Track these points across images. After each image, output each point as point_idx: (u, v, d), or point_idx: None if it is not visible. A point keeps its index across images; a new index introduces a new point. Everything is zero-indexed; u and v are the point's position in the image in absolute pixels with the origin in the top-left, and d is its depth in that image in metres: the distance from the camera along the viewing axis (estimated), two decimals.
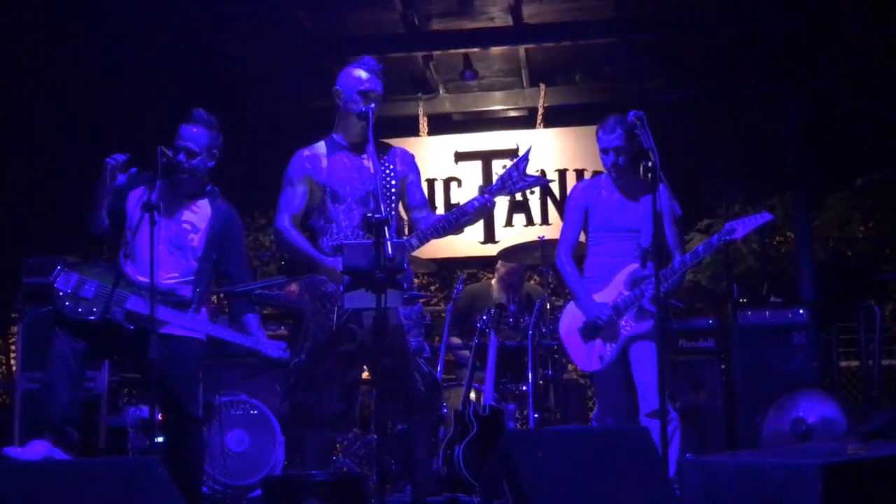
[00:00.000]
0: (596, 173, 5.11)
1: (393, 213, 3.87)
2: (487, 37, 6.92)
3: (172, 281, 3.90)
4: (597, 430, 4.31)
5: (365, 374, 4.36)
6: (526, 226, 7.59)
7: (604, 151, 4.41)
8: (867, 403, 5.70)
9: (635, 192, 4.41)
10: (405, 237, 3.83)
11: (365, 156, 3.89)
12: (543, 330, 5.35)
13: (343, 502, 3.26)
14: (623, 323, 4.33)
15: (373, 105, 3.79)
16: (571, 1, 6.57)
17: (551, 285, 5.78)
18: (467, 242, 7.46)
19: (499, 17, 6.79)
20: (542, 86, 7.64)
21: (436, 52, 7.14)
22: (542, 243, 5.51)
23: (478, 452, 4.96)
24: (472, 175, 7.70)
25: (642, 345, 4.30)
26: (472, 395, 5.22)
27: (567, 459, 3.17)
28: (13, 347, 7.09)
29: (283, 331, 5.54)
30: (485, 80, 7.70)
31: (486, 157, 7.72)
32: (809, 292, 6.66)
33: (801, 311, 5.59)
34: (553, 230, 7.00)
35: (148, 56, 6.39)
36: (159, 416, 3.93)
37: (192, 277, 3.94)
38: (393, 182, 3.92)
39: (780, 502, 2.83)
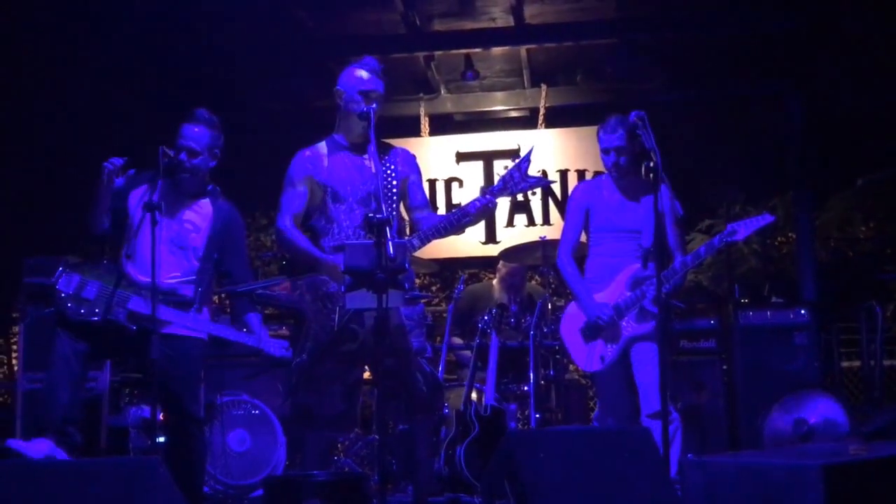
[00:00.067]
0: (597, 174, 5.10)
1: (394, 213, 3.87)
2: (489, 37, 6.92)
3: (174, 281, 3.90)
4: (598, 431, 4.30)
5: (366, 375, 4.36)
6: (527, 226, 7.59)
7: (605, 151, 4.41)
8: (869, 404, 5.69)
9: (636, 193, 4.41)
10: (407, 237, 3.82)
11: (366, 156, 3.88)
12: (545, 330, 5.35)
13: (344, 502, 3.26)
14: (624, 324, 4.33)
15: (374, 105, 3.78)
16: (573, 1, 6.57)
17: (552, 286, 5.77)
18: (469, 243, 7.46)
19: (500, 18, 6.79)
20: (544, 86, 7.64)
21: (437, 53, 7.14)
22: (544, 243, 5.50)
23: (479, 453, 4.95)
24: (473, 175, 7.70)
25: (643, 346, 4.29)
26: (474, 396, 5.22)
27: (568, 460, 3.16)
28: (14, 347, 7.09)
29: (284, 331, 5.53)
30: (486, 80, 7.70)
31: (488, 158, 7.71)
32: (811, 292, 6.66)
33: (802, 312, 5.59)
34: (554, 230, 7.00)
35: (148, 56, 6.38)
36: (161, 416, 3.93)
37: (194, 277, 3.94)
38: (394, 182, 3.91)
39: (782, 503, 2.82)
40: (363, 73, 3.88)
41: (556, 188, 7.59)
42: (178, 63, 6.54)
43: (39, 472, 2.97)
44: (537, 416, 5.14)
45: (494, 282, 6.31)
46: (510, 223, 7.63)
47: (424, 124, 7.80)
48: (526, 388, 5.34)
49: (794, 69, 6.91)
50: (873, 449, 3.17)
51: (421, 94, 7.77)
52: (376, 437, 5.31)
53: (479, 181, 7.63)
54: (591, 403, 6.36)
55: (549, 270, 5.38)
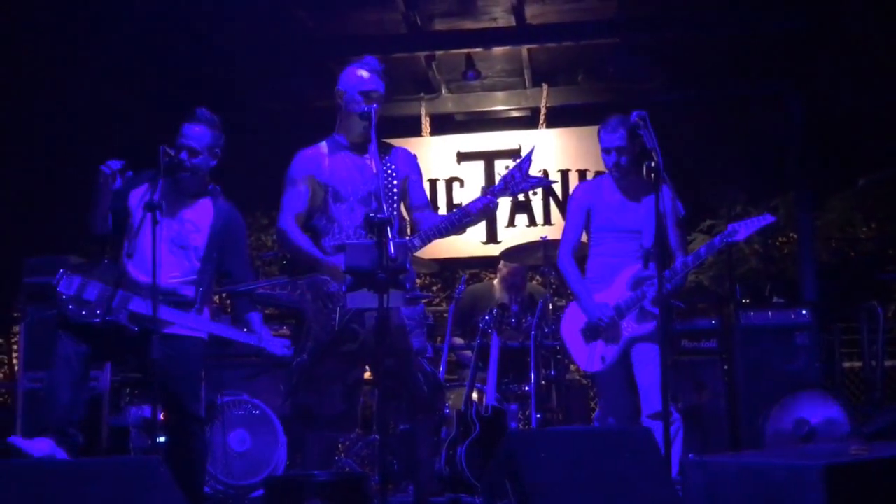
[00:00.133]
0: (598, 173, 5.10)
1: (395, 213, 3.86)
2: (490, 37, 6.92)
3: (174, 281, 3.89)
4: (599, 431, 4.30)
5: (367, 375, 4.35)
6: (528, 226, 7.59)
7: (605, 151, 4.40)
8: (870, 404, 5.69)
9: (637, 193, 4.40)
10: (408, 237, 3.82)
11: (367, 156, 3.88)
12: (546, 330, 5.34)
13: (345, 502, 3.25)
14: (625, 324, 4.32)
15: (375, 105, 3.78)
16: (574, 1, 6.57)
17: (553, 286, 5.77)
18: (469, 243, 7.46)
19: (501, 18, 6.79)
20: (545, 86, 7.64)
21: (438, 53, 7.14)
22: (545, 243, 5.50)
23: (480, 453, 4.95)
24: (474, 175, 7.70)
25: (644, 346, 4.29)
26: (475, 396, 5.21)
27: (569, 460, 3.16)
28: (15, 347, 7.09)
29: (285, 330, 5.54)
30: (487, 80, 7.70)
31: (489, 158, 7.71)
32: (812, 293, 6.66)
33: (803, 312, 5.58)
34: (555, 230, 7.00)
35: (148, 56, 6.38)
36: (161, 416, 3.92)
37: (195, 277, 3.93)
38: (395, 182, 3.91)
39: (783, 503, 2.82)
40: (364, 73, 3.88)
41: (558, 188, 7.58)
42: (178, 63, 6.54)
43: (40, 472, 2.97)
44: (538, 416, 5.14)
45: (495, 282, 6.30)
46: (511, 223, 7.63)
47: (425, 124, 7.80)
48: (527, 388, 5.33)
49: (794, 69, 6.91)
50: (874, 449, 3.16)
51: (422, 94, 7.77)
52: (377, 437, 5.31)
53: (480, 181, 7.63)
54: (592, 404, 6.36)
55: (550, 270, 5.38)
